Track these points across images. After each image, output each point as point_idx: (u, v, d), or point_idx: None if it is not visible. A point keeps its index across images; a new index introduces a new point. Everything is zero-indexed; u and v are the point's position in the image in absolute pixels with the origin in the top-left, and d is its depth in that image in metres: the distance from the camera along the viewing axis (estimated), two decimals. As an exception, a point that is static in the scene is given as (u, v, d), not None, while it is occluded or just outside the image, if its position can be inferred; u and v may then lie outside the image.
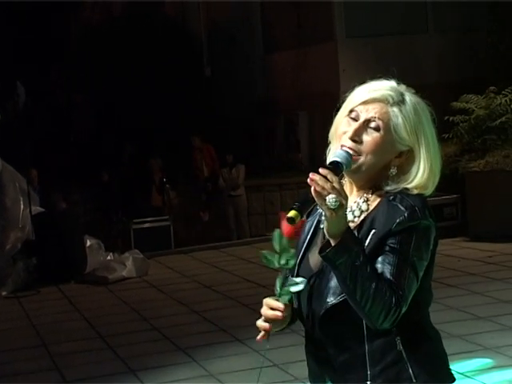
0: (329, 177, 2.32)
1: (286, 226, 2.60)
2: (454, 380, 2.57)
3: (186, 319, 8.64)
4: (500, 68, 13.53)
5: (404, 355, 2.48)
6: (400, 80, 2.62)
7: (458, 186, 11.81)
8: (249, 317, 8.38)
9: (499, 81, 12.64)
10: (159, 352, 7.43)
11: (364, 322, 2.45)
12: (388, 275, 2.38)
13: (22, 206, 11.37)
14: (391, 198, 2.48)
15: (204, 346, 7.45)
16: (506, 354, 6.49)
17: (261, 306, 2.54)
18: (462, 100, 12.43)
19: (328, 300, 2.49)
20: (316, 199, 2.33)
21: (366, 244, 2.43)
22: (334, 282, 2.48)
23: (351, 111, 2.53)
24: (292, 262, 2.55)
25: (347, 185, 2.61)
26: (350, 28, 14.90)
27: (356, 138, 2.49)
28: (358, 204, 2.54)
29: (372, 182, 2.56)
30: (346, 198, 2.36)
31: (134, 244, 12.82)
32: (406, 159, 2.54)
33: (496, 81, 12.65)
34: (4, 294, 10.58)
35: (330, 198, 2.31)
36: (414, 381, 2.46)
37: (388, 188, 2.52)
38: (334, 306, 2.48)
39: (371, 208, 2.52)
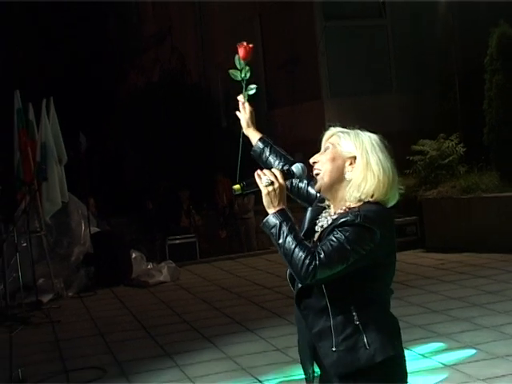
0: (273, 170, 2.57)
1: (241, 53, 2.99)
2: (399, 354, 2.51)
3: (209, 314, 8.60)
4: (446, 120, 13.57)
5: (361, 328, 2.46)
6: (370, 129, 2.66)
7: (416, 210, 11.84)
8: (257, 312, 8.35)
9: (447, 129, 12.69)
10: (188, 339, 7.40)
11: (328, 302, 2.46)
12: (317, 248, 2.41)
13: (83, 227, 11.39)
14: (349, 209, 2.51)
15: (223, 335, 7.41)
16: (456, 339, 6.46)
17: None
18: (419, 144, 12.44)
19: (299, 284, 2.54)
20: (256, 179, 2.54)
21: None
22: None
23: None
24: (248, 74, 3.01)
25: (331, 208, 2.65)
26: (333, 89, 14.93)
27: (315, 160, 2.66)
28: (326, 219, 2.60)
29: (339, 199, 2.59)
30: (280, 185, 2.51)
31: (169, 256, 12.78)
32: (353, 168, 2.56)
33: (444, 129, 12.69)
34: (70, 294, 10.57)
35: (265, 178, 2.52)
36: (368, 347, 2.45)
37: (348, 204, 2.54)
38: (301, 288, 2.53)
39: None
